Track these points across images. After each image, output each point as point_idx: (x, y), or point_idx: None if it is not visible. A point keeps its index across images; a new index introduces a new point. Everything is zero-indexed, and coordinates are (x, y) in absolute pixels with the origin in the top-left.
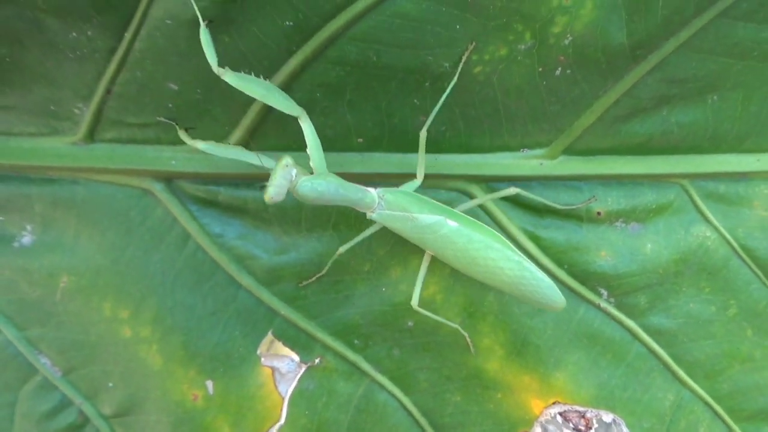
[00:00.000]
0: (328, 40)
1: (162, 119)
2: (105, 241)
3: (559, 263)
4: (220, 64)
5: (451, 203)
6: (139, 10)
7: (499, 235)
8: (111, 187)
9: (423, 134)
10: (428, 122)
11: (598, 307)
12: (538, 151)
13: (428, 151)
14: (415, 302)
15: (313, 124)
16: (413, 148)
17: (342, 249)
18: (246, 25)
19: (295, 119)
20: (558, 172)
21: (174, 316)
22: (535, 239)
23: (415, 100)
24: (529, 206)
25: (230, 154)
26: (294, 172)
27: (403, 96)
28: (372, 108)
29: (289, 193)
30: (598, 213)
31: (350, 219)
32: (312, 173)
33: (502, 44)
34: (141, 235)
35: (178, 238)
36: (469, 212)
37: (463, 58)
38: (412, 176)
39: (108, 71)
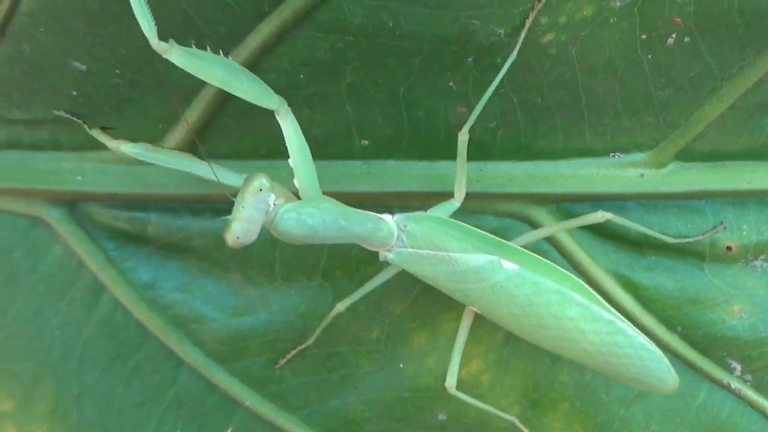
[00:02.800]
0: None
1: (63, 113)
2: None
3: (670, 324)
4: (160, 35)
5: (504, 235)
6: None
7: (581, 281)
8: None
9: (464, 136)
10: (473, 117)
11: (727, 387)
12: (638, 156)
13: (471, 158)
14: (451, 383)
15: (296, 119)
16: (448, 155)
17: (340, 306)
18: None
19: (267, 113)
20: (667, 188)
21: (82, 409)
22: (631, 288)
23: (451, 84)
24: (623, 238)
25: (171, 161)
26: (271, 198)
27: (433, 78)
28: (384, 95)
29: (263, 229)
30: (729, 248)
31: (350, 261)
32: (297, 197)
33: (587, 0)
34: (30, 287)
35: (87, 291)
36: (532, 248)
37: (528, 23)
38: (446, 196)
39: None
